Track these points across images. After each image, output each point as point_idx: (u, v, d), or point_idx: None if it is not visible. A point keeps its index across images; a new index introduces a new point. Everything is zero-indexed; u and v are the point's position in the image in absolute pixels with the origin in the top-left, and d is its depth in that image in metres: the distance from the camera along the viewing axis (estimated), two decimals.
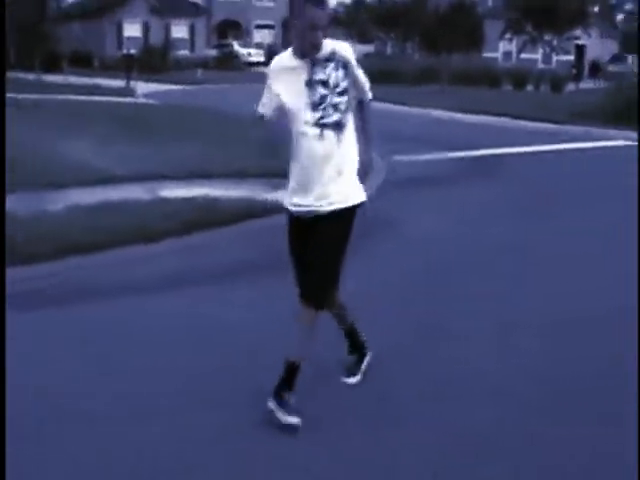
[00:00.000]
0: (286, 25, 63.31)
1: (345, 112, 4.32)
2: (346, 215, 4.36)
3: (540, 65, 48.12)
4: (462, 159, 15.46)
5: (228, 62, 56.01)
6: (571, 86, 39.74)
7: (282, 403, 4.27)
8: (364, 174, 4.50)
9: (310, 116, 4.27)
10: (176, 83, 38.91)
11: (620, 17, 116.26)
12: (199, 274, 7.39)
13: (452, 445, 4.15)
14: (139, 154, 12.52)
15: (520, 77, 39.64)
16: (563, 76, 40.33)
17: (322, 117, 4.27)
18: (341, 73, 4.29)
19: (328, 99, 4.27)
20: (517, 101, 29.05)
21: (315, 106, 4.27)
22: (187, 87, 37.30)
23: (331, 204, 4.31)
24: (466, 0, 52.93)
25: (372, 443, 4.18)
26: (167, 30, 58.66)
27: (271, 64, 4.46)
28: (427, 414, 4.52)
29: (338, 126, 4.30)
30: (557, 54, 46.26)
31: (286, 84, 4.30)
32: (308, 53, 4.25)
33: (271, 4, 66.16)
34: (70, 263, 7.22)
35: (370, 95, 4.57)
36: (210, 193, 9.86)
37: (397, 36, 50.52)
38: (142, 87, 33.77)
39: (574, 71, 46.19)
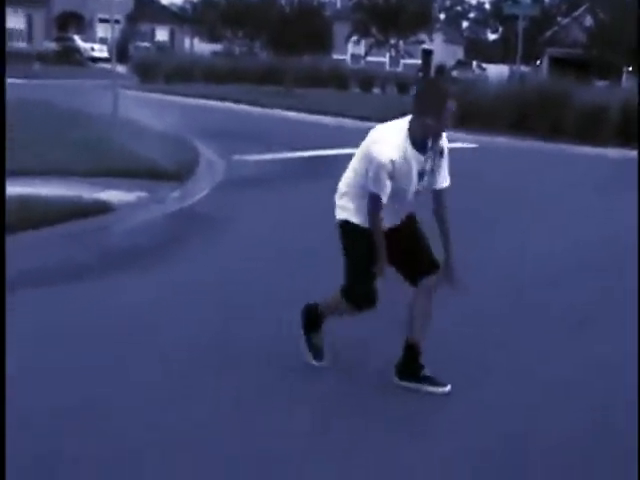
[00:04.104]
0: (132, 19, 61.76)
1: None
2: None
3: (388, 68, 48.60)
4: (303, 159, 15.31)
5: (69, 56, 53.93)
6: None
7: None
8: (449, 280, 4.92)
9: (410, 196, 4.81)
10: (11, 76, 36.89)
11: (465, 24, 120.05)
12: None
13: None
14: None
15: (367, 79, 39.87)
16: (409, 79, 40.82)
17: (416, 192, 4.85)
18: (440, 161, 4.83)
19: (427, 183, 4.81)
20: (364, 103, 28.99)
21: (417, 192, 4.82)
22: (23, 81, 35.46)
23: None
24: (314, 2, 53.02)
25: None
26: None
27: (389, 153, 4.59)
28: None
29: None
30: (403, 57, 46.82)
31: (400, 173, 4.63)
32: (434, 141, 4.69)
33: None
34: None
35: (448, 181, 4.94)
36: (26, 192, 8.99)
37: (245, 36, 49.98)
38: None
39: (420, 74, 46.89)
